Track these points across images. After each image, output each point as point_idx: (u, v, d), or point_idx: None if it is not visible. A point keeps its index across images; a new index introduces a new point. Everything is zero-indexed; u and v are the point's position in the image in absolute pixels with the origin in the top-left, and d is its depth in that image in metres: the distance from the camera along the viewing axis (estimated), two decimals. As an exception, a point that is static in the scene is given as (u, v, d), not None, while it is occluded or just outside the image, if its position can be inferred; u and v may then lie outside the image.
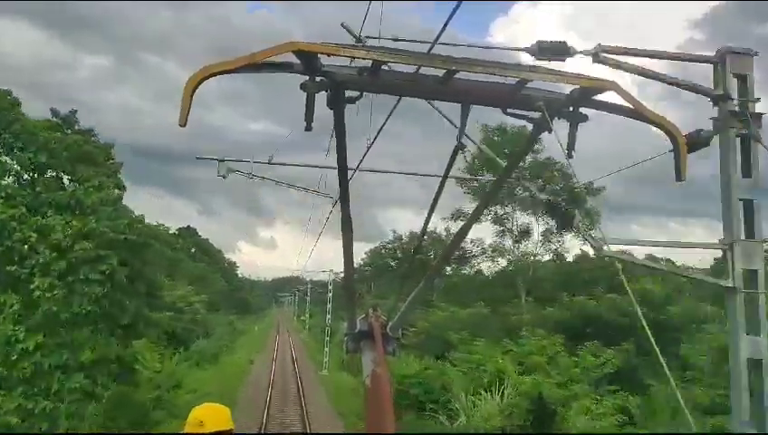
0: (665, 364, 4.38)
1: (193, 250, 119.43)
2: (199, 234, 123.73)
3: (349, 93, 2.88)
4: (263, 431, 21.41)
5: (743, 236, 4.93)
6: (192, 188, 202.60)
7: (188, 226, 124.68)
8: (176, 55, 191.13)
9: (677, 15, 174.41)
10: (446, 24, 3.38)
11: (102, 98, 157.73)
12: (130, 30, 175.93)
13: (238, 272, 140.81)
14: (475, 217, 6.81)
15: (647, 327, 4.12)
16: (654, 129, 3.07)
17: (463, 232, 8.17)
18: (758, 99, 4.21)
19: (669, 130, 3.04)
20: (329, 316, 42.81)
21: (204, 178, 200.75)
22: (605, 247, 4.79)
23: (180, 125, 2.49)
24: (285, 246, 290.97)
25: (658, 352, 4.11)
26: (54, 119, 22.80)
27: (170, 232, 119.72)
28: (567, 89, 3.00)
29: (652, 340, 4.05)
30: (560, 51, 3.77)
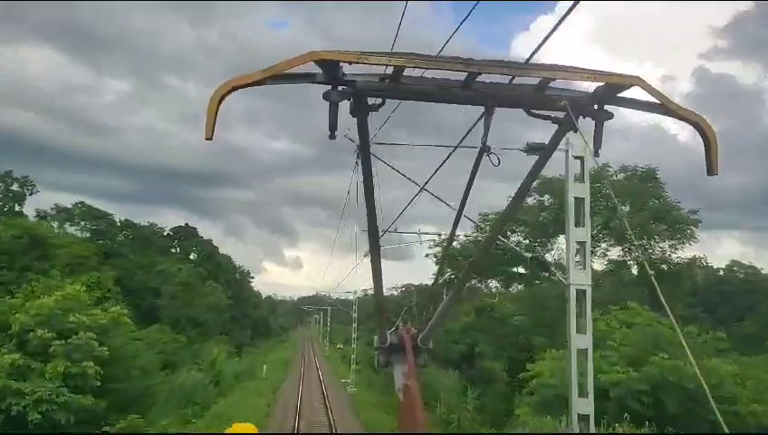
0: None
1: (192, 256, 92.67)
2: (201, 235, 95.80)
3: (371, 101, 2.81)
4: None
5: None
6: (217, 208, 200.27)
7: (186, 223, 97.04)
8: (197, 76, 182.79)
9: (701, 24, 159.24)
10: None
11: (126, 120, 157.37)
12: (151, 52, 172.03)
13: (253, 284, 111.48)
14: (501, 225, 6.45)
15: None
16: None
17: (491, 238, 8.63)
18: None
19: (699, 124, 2.77)
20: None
21: (228, 199, 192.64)
22: None
23: (207, 138, 2.50)
24: (310, 266, 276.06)
25: None
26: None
27: (164, 233, 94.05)
28: (591, 87, 2.84)
29: None
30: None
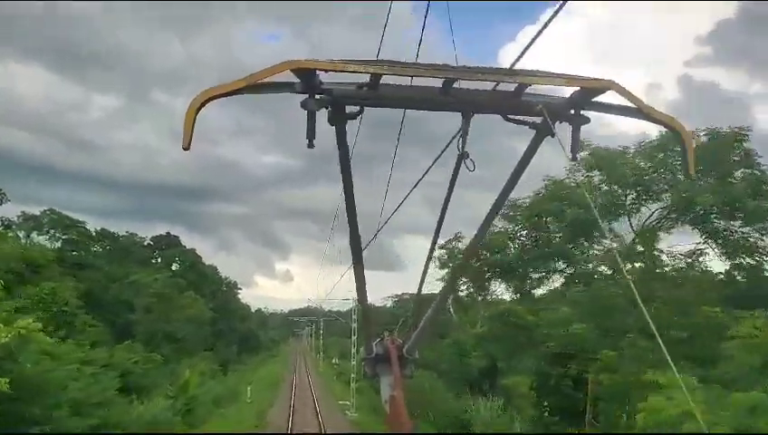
0: None
1: (174, 266, 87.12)
2: (184, 244, 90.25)
3: (350, 109, 2.80)
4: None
5: None
6: (208, 223, 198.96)
7: (167, 232, 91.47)
8: (186, 91, 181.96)
9: (685, 32, 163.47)
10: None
11: (115, 137, 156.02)
12: (141, 68, 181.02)
13: (241, 296, 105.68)
14: (484, 230, 4.40)
15: None
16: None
17: (474, 243, 6.21)
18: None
19: (674, 128, 2.78)
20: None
21: (219, 214, 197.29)
22: None
23: (184, 148, 2.47)
24: (301, 279, 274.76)
25: None
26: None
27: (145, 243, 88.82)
28: (567, 91, 2.86)
29: None
30: None
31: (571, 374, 29.95)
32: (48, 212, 69.65)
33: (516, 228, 26.41)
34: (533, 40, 3.28)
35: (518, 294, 47.26)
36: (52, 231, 68.78)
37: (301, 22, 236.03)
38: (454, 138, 3.68)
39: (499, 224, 27.25)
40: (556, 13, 3.23)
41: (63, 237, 69.29)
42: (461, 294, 62.31)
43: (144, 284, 51.89)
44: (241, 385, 43.60)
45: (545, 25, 3.19)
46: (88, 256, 69.53)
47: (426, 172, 4.61)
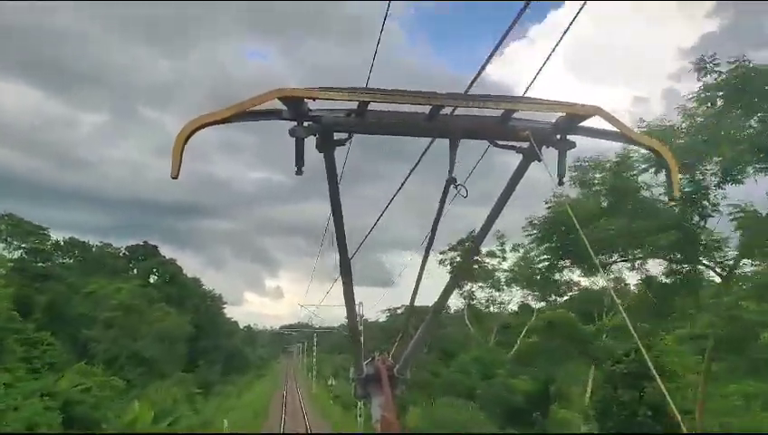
0: None
1: (152, 279, 79.91)
2: (163, 255, 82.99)
3: (338, 136, 2.84)
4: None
5: None
6: (198, 240, 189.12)
7: (144, 242, 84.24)
8: (175, 108, 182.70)
9: (669, 45, 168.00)
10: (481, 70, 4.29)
11: (104, 153, 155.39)
12: (129, 85, 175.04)
13: (226, 310, 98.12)
14: (480, 239, 4.75)
15: None
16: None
17: (466, 263, 11.68)
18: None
19: (659, 151, 2.84)
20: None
21: (209, 230, 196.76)
22: None
23: (173, 177, 2.48)
24: (292, 295, 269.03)
25: None
26: None
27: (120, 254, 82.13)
28: (553, 117, 2.86)
29: None
30: None
31: (648, 401, 22.98)
32: (6, 218, 61.97)
33: (590, 194, 18.32)
34: (501, 41, 3.83)
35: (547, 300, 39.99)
36: (9, 239, 61.37)
37: (287, 39, 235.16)
38: (427, 149, 4.26)
39: (572, 192, 19.35)
40: (519, 15, 3.64)
41: (23, 246, 61.96)
42: (472, 302, 55.89)
43: (104, 295, 44.31)
44: (219, 414, 36.09)
45: (510, 27, 3.70)
46: (54, 267, 62.46)
47: (402, 184, 4.84)
